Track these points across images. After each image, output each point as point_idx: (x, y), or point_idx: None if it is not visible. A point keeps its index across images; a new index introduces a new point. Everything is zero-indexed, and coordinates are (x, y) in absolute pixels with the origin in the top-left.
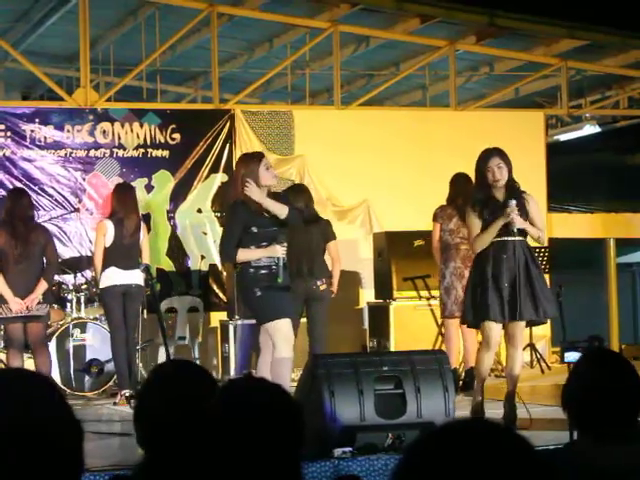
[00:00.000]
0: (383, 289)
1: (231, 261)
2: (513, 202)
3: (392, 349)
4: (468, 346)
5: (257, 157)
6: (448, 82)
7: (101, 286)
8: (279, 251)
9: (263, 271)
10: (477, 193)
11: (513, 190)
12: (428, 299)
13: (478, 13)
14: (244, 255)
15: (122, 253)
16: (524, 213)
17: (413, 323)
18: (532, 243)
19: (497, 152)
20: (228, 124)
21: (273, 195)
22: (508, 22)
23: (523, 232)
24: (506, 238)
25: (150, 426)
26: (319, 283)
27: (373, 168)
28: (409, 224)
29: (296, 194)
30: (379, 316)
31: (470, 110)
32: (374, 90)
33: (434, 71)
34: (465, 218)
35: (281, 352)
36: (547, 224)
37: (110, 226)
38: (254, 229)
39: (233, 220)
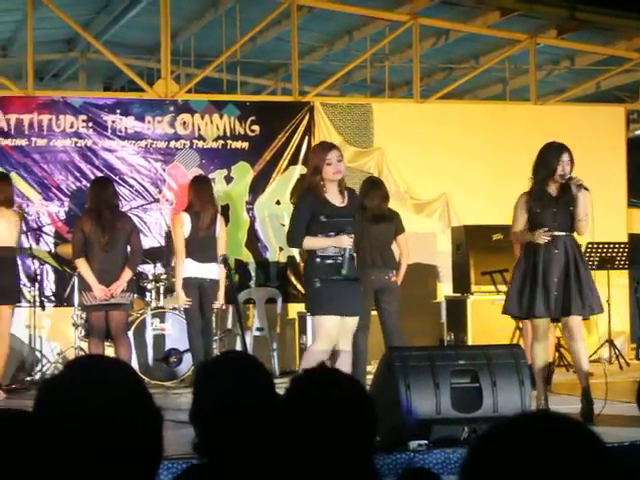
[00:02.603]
0: (461, 283)
1: (298, 247)
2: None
3: (469, 343)
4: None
5: (326, 148)
6: (528, 76)
7: None
8: (346, 241)
9: (328, 261)
10: (539, 184)
11: (566, 187)
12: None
13: (559, 6)
14: (311, 243)
15: (198, 246)
16: (574, 200)
17: (490, 317)
18: (608, 238)
19: (567, 149)
20: (307, 116)
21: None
22: (590, 16)
23: (570, 228)
24: (557, 233)
25: (209, 423)
26: (390, 275)
27: (451, 161)
28: (487, 218)
29: (369, 189)
30: (456, 310)
31: (550, 104)
32: (453, 83)
33: (514, 65)
34: None
35: (318, 345)
36: (627, 219)
37: (187, 218)
38: (322, 218)
39: (302, 206)
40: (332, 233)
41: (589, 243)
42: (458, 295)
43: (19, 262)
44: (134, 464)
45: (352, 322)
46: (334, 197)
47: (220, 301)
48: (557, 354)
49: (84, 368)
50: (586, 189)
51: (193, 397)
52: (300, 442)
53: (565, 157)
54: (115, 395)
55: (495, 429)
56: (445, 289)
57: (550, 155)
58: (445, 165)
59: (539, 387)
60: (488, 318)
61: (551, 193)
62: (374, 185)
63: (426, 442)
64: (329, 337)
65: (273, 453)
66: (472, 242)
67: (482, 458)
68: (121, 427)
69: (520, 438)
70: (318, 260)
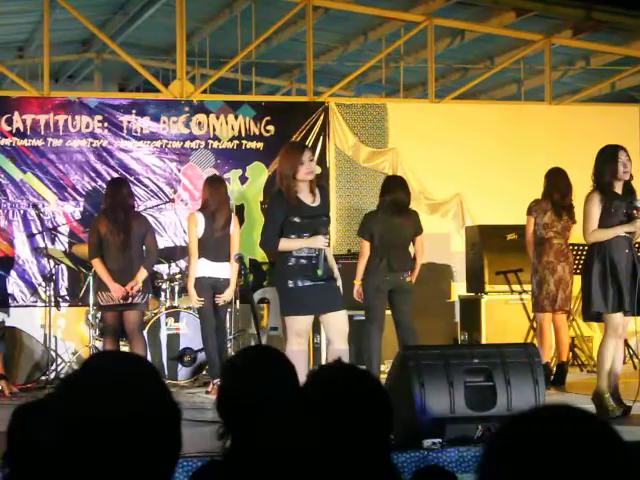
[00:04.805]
0: (475, 282)
1: (272, 250)
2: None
3: (483, 343)
4: (562, 340)
5: (299, 149)
6: (543, 76)
7: None
8: (321, 242)
9: (303, 262)
10: (607, 186)
11: (630, 187)
12: (520, 293)
13: (575, 7)
14: (286, 244)
15: (212, 246)
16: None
17: (504, 317)
18: None
19: (623, 147)
20: (322, 117)
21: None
22: (605, 16)
23: None
24: (628, 234)
25: (235, 413)
26: (405, 275)
27: (466, 161)
28: (502, 218)
29: (393, 184)
30: (470, 309)
31: (565, 105)
32: (468, 84)
33: (529, 65)
34: (560, 211)
35: (292, 345)
36: None
37: (201, 218)
38: (296, 219)
39: (275, 209)
40: (306, 234)
41: None
42: (472, 295)
43: (35, 261)
44: (152, 460)
45: (338, 317)
46: (306, 197)
47: (227, 297)
48: (571, 354)
49: (101, 363)
50: None
51: (219, 388)
52: (318, 436)
53: (622, 155)
54: (132, 390)
55: (510, 424)
56: (459, 289)
57: (610, 153)
58: (459, 165)
59: (602, 380)
60: (502, 318)
61: (619, 193)
62: (398, 181)
63: (440, 440)
64: (300, 337)
65: (292, 445)
66: (486, 242)
67: (499, 454)
68: (139, 422)
69: (537, 432)
70: (293, 261)
